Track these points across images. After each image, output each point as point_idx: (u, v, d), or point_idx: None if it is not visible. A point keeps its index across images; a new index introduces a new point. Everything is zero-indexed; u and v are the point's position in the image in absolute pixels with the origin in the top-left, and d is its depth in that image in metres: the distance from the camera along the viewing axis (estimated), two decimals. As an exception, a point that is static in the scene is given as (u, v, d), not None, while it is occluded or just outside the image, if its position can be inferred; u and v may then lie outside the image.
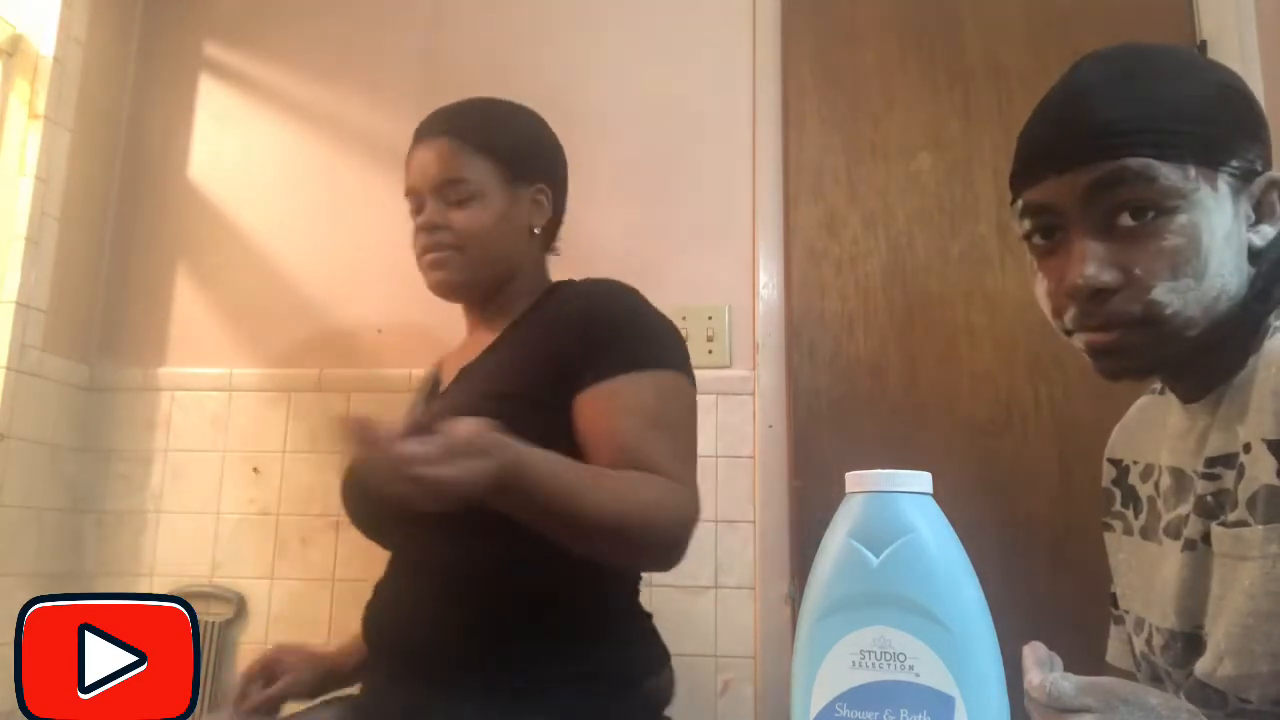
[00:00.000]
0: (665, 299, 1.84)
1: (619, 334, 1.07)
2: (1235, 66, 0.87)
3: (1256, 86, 1.67)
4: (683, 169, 1.88)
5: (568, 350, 1.06)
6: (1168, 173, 0.69)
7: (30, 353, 1.75)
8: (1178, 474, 0.79)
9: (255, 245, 1.96)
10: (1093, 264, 0.71)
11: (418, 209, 1.16)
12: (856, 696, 0.49)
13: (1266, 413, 0.66)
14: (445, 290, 1.16)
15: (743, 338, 1.80)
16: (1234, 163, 0.72)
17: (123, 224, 2.00)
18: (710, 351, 1.78)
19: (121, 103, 2.04)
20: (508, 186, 1.15)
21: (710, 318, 1.80)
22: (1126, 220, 0.71)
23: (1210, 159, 0.71)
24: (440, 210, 1.13)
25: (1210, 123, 0.72)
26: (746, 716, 1.65)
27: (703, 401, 1.78)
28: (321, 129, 1.99)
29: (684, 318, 1.80)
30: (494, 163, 1.14)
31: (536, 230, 1.18)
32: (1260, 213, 0.74)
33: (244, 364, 1.88)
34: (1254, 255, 0.74)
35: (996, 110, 1.84)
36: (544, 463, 0.87)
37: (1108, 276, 0.71)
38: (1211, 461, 0.72)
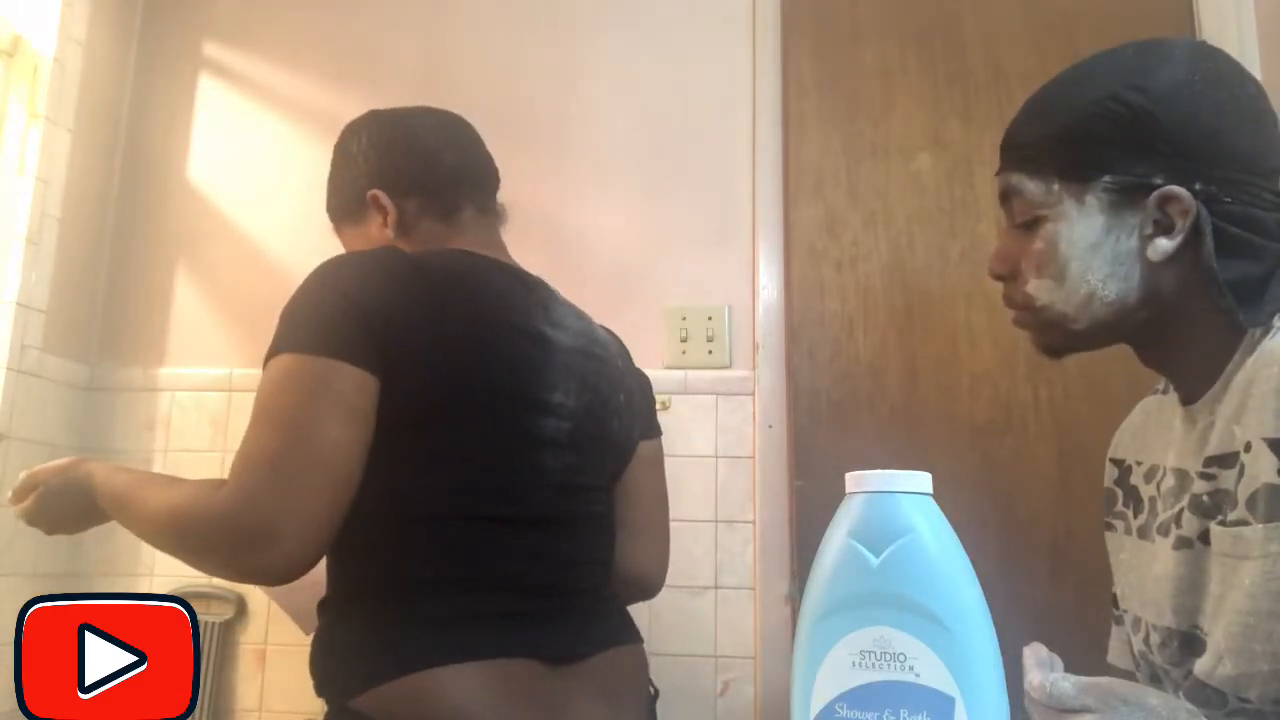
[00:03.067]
0: (665, 299, 1.88)
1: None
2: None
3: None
4: (683, 169, 1.88)
5: None
6: (1032, 187, 0.79)
7: (30, 353, 1.75)
8: (1181, 475, 0.79)
9: (255, 245, 1.95)
10: (996, 254, 0.84)
11: None
12: (857, 697, 0.49)
13: (1267, 411, 0.66)
14: None
15: (743, 338, 1.80)
16: (1107, 178, 0.75)
17: (123, 224, 2.00)
18: (710, 352, 1.78)
19: (121, 103, 2.03)
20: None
21: (710, 318, 1.80)
22: (1019, 221, 0.82)
23: (1077, 175, 0.76)
24: None
25: (1081, 140, 0.76)
26: (747, 717, 1.65)
27: (703, 401, 1.81)
28: (321, 129, 1.98)
29: (684, 318, 1.81)
30: None
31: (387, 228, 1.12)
32: (1157, 226, 0.75)
33: (244, 364, 1.88)
34: (1170, 263, 0.74)
35: (996, 110, 1.84)
36: (106, 478, 1.00)
37: (999, 268, 0.84)
38: (1210, 461, 0.73)
